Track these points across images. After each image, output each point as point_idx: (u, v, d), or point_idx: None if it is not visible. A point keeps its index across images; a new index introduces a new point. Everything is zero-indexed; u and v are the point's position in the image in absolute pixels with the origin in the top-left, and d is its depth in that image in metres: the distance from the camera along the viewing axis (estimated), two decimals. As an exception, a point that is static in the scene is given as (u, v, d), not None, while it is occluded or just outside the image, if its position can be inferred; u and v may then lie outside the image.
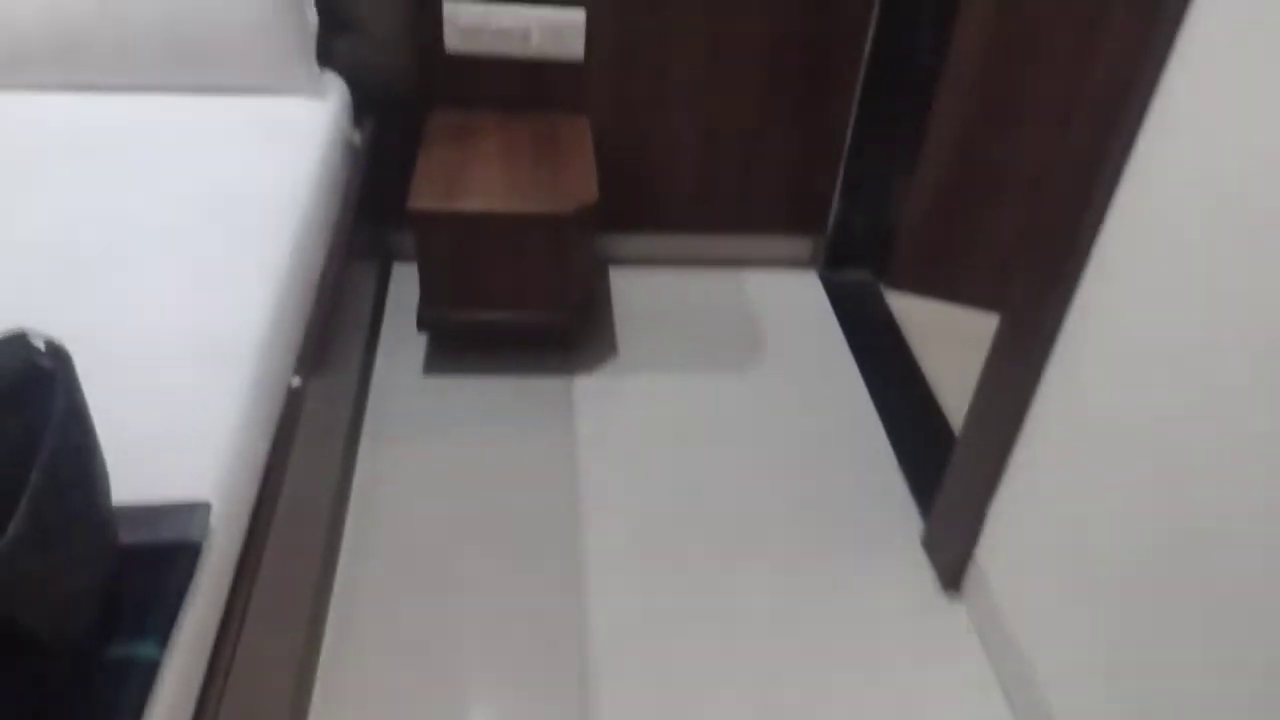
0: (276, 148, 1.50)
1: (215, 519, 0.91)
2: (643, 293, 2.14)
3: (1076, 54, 1.80)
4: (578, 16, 1.88)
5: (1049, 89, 1.87)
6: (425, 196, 1.67)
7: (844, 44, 1.97)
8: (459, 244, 1.72)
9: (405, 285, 2.01)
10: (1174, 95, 1.02)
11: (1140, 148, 1.08)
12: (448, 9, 1.84)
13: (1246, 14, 0.91)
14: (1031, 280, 1.29)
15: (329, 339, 1.40)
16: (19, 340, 0.73)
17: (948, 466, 1.52)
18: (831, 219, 2.20)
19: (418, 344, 1.92)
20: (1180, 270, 1.02)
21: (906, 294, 2.21)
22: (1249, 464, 0.92)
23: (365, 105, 1.84)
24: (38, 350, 0.73)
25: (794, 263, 2.27)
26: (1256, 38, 0.90)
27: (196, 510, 0.88)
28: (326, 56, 1.74)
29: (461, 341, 1.93)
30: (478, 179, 1.74)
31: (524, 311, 1.82)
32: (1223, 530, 0.95)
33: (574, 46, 1.92)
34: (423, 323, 1.82)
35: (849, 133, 2.08)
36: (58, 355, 0.73)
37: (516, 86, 1.95)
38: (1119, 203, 1.12)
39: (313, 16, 1.66)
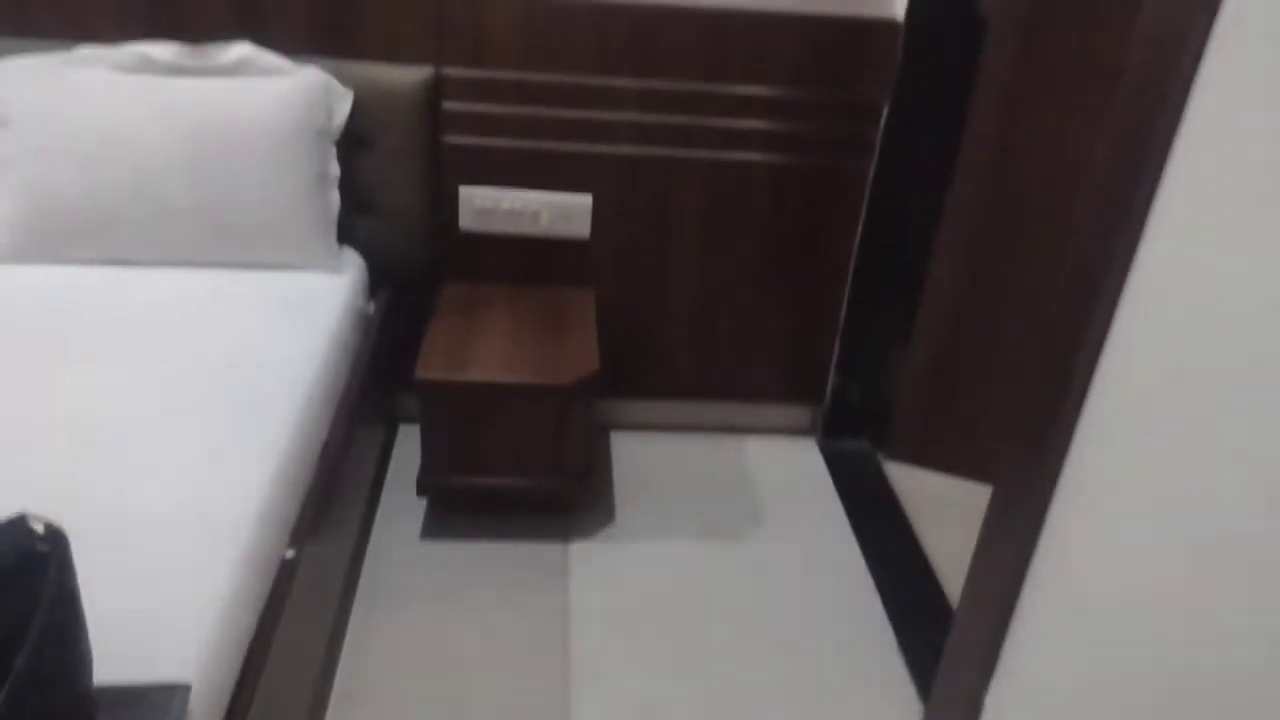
0: (292, 322, 1.58)
1: (195, 700, 0.91)
2: (643, 458, 2.17)
3: (1059, 236, 1.89)
4: (585, 200, 2.00)
5: (1036, 268, 1.95)
6: (432, 366, 1.74)
7: (837, 227, 2.07)
8: (462, 412, 1.77)
9: (410, 448, 2.05)
10: (1150, 273, 1.07)
11: (1118, 326, 1.13)
12: (463, 192, 1.97)
13: (1212, 201, 0.97)
14: (1019, 455, 1.32)
15: (328, 507, 1.43)
16: (19, 524, 0.76)
17: (944, 649, 1.50)
18: (829, 389, 2.25)
19: (417, 507, 1.94)
20: (1163, 446, 1.04)
21: (905, 465, 2.23)
22: (1251, 650, 0.91)
23: (380, 278, 1.93)
24: (36, 534, 0.76)
25: (793, 431, 2.30)
26: (1224, 217, 0.96)
27: (176, 692, 0.89)
28: (346, 234, 1.84)
29: (461, 506, 1.95)
30: (483, 350, 1.81)
31: (523, 478, 1.85)
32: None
33: (581, 226, 2.03)
34: (423, 488, 1.85)
35: (844, 307, 2.16)
36: (55, 539, 0.76)
37: (525, 262, 2.06)
38: (1100, 379, 1.16)
39: (336, 199, 1.77)
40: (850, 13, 1.86)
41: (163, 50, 1.66)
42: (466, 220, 2.00)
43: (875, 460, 2.24)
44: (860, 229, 2.08)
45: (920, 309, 2.09)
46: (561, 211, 2.01)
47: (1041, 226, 1.93)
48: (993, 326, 2.04)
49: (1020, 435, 1.31)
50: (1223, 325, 0.95)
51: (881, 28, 1.87)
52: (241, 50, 1.69)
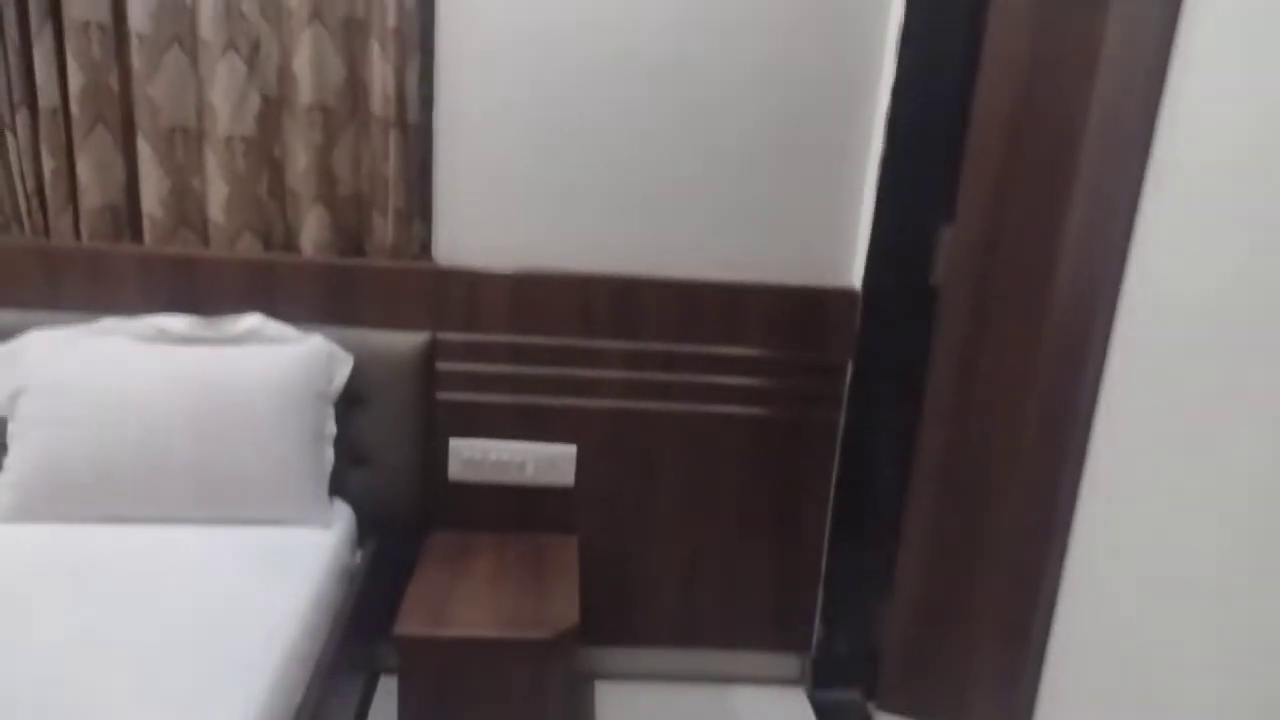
0: (280, 580, 1.61)
1: None
2: (629, 710, 2.12)
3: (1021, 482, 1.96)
4: (570, 450, 2.09)
5: (1005, 512, 1.99)
6: (411, 621, 1.75)
7: (813, 477, 2.15)
8: (441, 666, 1.76)
9: (389, 700, 2.01)
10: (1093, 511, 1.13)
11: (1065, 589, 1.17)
12: (453, 444, 2.06)
13: (1148, 442, 1.04)
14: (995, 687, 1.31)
15: (297, 772, 1.41)
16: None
17: None
18: (815, 638, 2.23)
19: (393, 768, 1.88)
20: (1125, 661, 1.05)
21: (897, 716, 2.17)
22: None
23: (369, 528, 1.99)
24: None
25: (781, 680, 2.27)
26: (1142, 471, 1.02)
27: None
28: (338, 486, 1.91)
29: (437, 766, 1.89)
30: (465, 603, 1.83)
31: (502, 736, 1.81)
32: None
33: (566, 475, 2.10)
34: (398, 747, 1.81)
35: (824, 557, 2.19)
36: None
37: (511, 510, 2.12)
38: (1056, 640, 1.18)
39: (330, 456, 1.86)
40: (812, 283, 2.03)
41: (178, 322, 1.81)
42: (455, 470, 2.08)
43: (866, 712, 2.19)
44: (835, 478, 2.15)
45: (899, 556, 2.12)
46: (547, 461, 2.09)
47: (1008, 473, 2.00)
48: (970, 571, 2.06)
49: (989, 694, 1.32)
50: (1154, 604, 1.00)
51: (841, 296, 2.03)
52: (251, 321, 1.84)
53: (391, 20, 1.83)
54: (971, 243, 1.95)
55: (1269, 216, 0.87)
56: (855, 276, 2.03)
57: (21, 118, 1.82)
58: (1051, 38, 1.75)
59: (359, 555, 1.93)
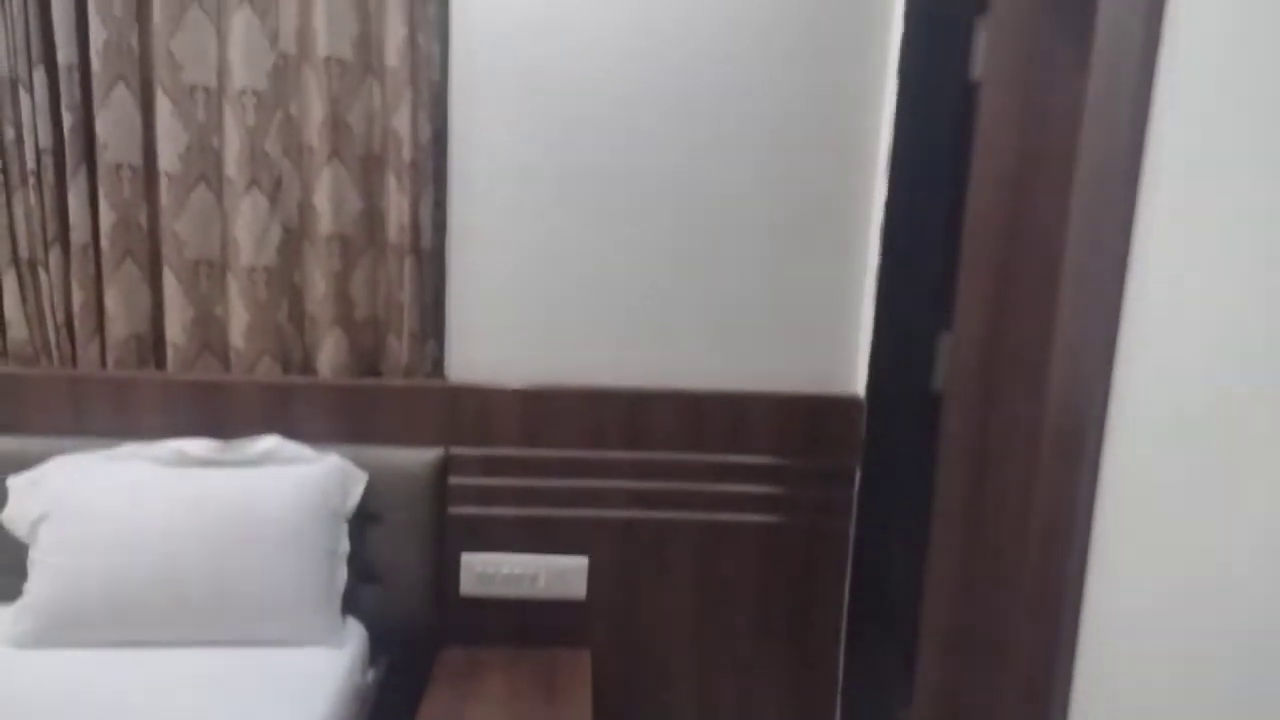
0: (291, 700, 1.62)
1: None
2: (645, 834, 2.07)
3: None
4: (581, 562, 2.10)
5: (1018, 620, 1.98)
6: (424, 744, 1.74)
7: (826, 585, 2.14)
8: (453, 791, 1.74)
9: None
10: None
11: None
12: (465, 559, 2.08)
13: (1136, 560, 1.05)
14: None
15: None
16: None
17: None
18: (834, 752, 2.19)
19: None
20: None
21: (922, 834, 2.11)
22: None
23: (381, 645, 1.99)
24: None
25: (802, 797, 2.21)
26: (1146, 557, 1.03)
27: None
28: (351, 604, 1.93)
29: None
30: (477, 723, 1.82)
31: None
32: None
33: (577, 588, 2.11)
34: None
35: (841, 664, 2.17)
36: None
37: (523, 624, 2.11)
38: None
39: (343, 575, 1.88)
40: (816, 391, 2.07)
41: (197, 446, 1.86)
42: (467, 585, 2.09)
43: (890, 829, 2.13)
44: (848, 584, 2.14)
45: (916, 666, 2.10)
46: (559, 574, 2.10)
47: (1020, 574, 1.99)
48: (988, 682, 2.03)
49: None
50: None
51: (845, 404, 2.07)
52: (268, 443, 1.89)
53: (407, 155, 1.94)
54: (970, 349, 1.99)
55: (1252, 326, 0.90)
56: (859, 384, 2.07)
57: (54, 254, 1.91)
58: (1036, 147, 1.83)
59: (370, 674, 1.92)
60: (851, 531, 2.12)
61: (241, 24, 1.87)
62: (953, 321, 2.01)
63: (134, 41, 1.88)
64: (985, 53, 1.82)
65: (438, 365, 2.06)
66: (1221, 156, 0.94)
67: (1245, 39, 0.92)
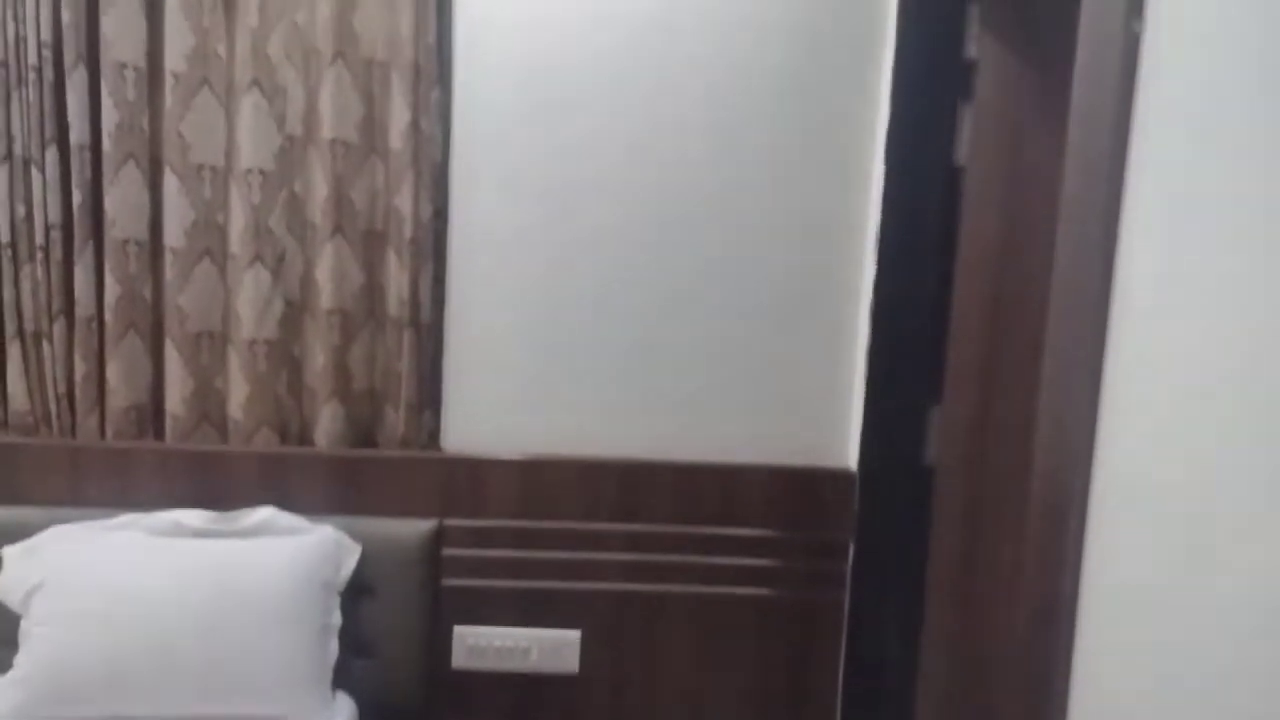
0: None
1: None
2: None
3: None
4: (574, 635, 2.09)
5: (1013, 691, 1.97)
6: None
7: (821, 658, 2.13)
8: None
9: None
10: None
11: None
12: (458, 631, 2.07)
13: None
14: None
15: None
16: None
17: None
18: (831, 831, 2.15)
19: None
20: None
21: None
22: None
23: (370, 717, 1.96)
24: None
25: None
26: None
27: None
28: (341, 677, 1.91)
29: None
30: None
31: None
32: None
33: (569, 662, 2.10)
34: None
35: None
36: None
37: (515, 698, 2.10)
38: None
39: (335, 648, 1.87)
40: (809, 464, 2.09)
41: (193, 517, 1.87)
42: (459, 659, 2.07)
43: None
44: (843, 657, 2.13)
45: (912, 740, 2.08)
46: (551, 647, 2.09)
47: (1010, 649, 1.98)
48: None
49: None
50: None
51: (838, 477, 2.09)
52: (263, 514, 1.90)
53: (408, 232, 1.99)
54: (960, 423, 2.02)
55: (1226, 402, 0.93)
56: (851, 457, 2.09)
57: (58, 327, 1.95)
58: (1019, 229, 1.88)
59: (360, 751, 1.90)
60: (846, 604, 2.12)
61: (250, 107, 1.93)
62: (943, 395, 2.04)
63: (145, 123, 1.95)
64: (969, 138, 1.89)
65: (433, 436, 2.09)
66: (1193, 242, 0.98)
67: (1213, 135, 0.96)
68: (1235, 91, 0.93)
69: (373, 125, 1.99)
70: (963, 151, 1.91)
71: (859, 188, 2.04)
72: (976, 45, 1.87)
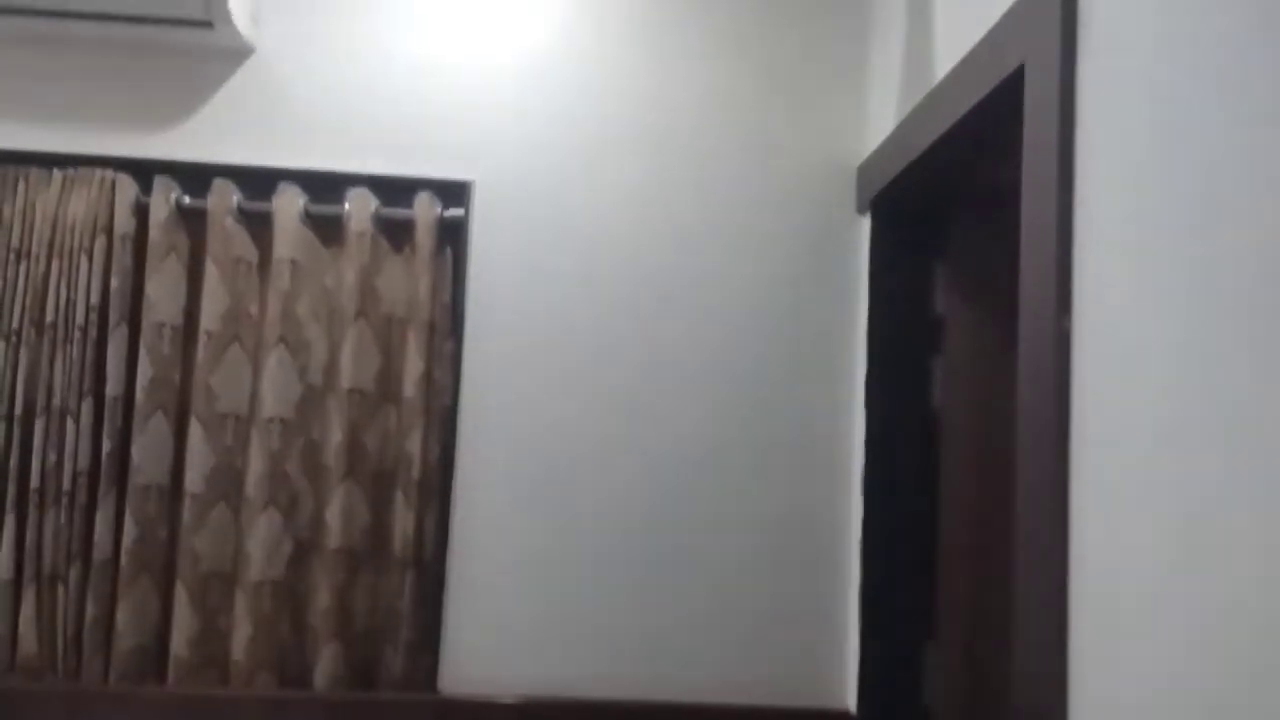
0: None
1: None
2: None
3: None
4: None
5: None
6: None
7: None
8: None
9: None
10: None
11: None
12: None
13: None
14: None
15: None
16: None
17: None
18: None
19: None
20: None
21: None
22: None
23: None
24: None
25: None
26: None
27: None
28: None
29: None
30: None
31: None
32: None
33: None
34: None
35: None
36: None
37: None
38: None
39: None
40: (808, 705, 2.09)
41: (190, 767, 1.86)
42: None
43: None
44: None
45: None
46: None
47: None
48: None
49: None
50: None
51: (837, 718, 2.08)
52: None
53: (416, 473, 2.09)
54: (953, 661, 2.03)
55: (1185, 625, 0.97)
56: (850, 698, 2.08)
57: (74, 570, 2.01)
58: (992, 470, 1.98)
59: None
60: None
61: (275, 360, 2.09)
62: (936, 631, 2.06)
63: (176, 376, 2.10)
64: (941, 386, 2.03)
65: (431, 677, 2.09)
66: (1137, 475, 1.06)
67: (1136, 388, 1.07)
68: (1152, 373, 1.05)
69: (389, 375, 2.14)
70: (937, 396, 2.05)
71: (844, 432, 2.16)
72: (943, 301, 2.04)
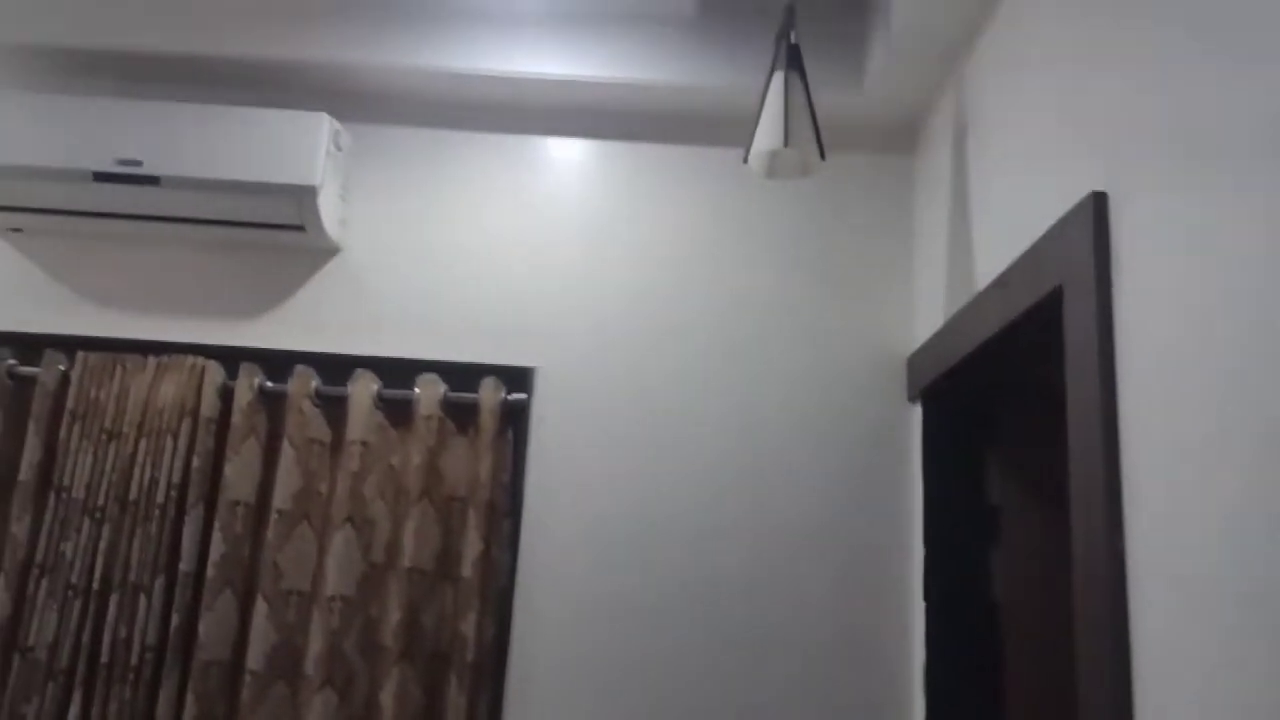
0: None
1: None
2: None
3: None
4: None
5: None
6: None
7: None
8: None
9: None
10: None
11: None
12: None
13: None
14: None
15: None
16: None
17: None
18: None
19: None
20: None
21: None
22: None
23: None
24: None
25: None
26: None
27: None
28: None
29: None
30: None
31: None
32: None
33: None
34: None
35: None
36: None
37: None
38: None
39: None
40: None
41: None
42: None
43: None
44: None
45: None
46: None
47: None
48: None
49: None
50: None
51: None
52: None
53: (470, 656, 2.10)
54: None
55: None
56: None
57: (133, 748, 2.03)
58: (1058, 665, 1.92)
59: None
60: None
61: (341, 539, 2.16)
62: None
63: (246, 553, 2.17)
64: (1000, 576, 2.00)
65: None
66: (1195, 671, 1.04)
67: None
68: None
69: (448, 554, 2.19)
70: (997, 587, 2.02)
71: (902, 627, 2.14)
72: (998, 490, 2.05)
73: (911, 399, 2.21)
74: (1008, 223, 1.69)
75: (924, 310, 2.22)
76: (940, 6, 1.91)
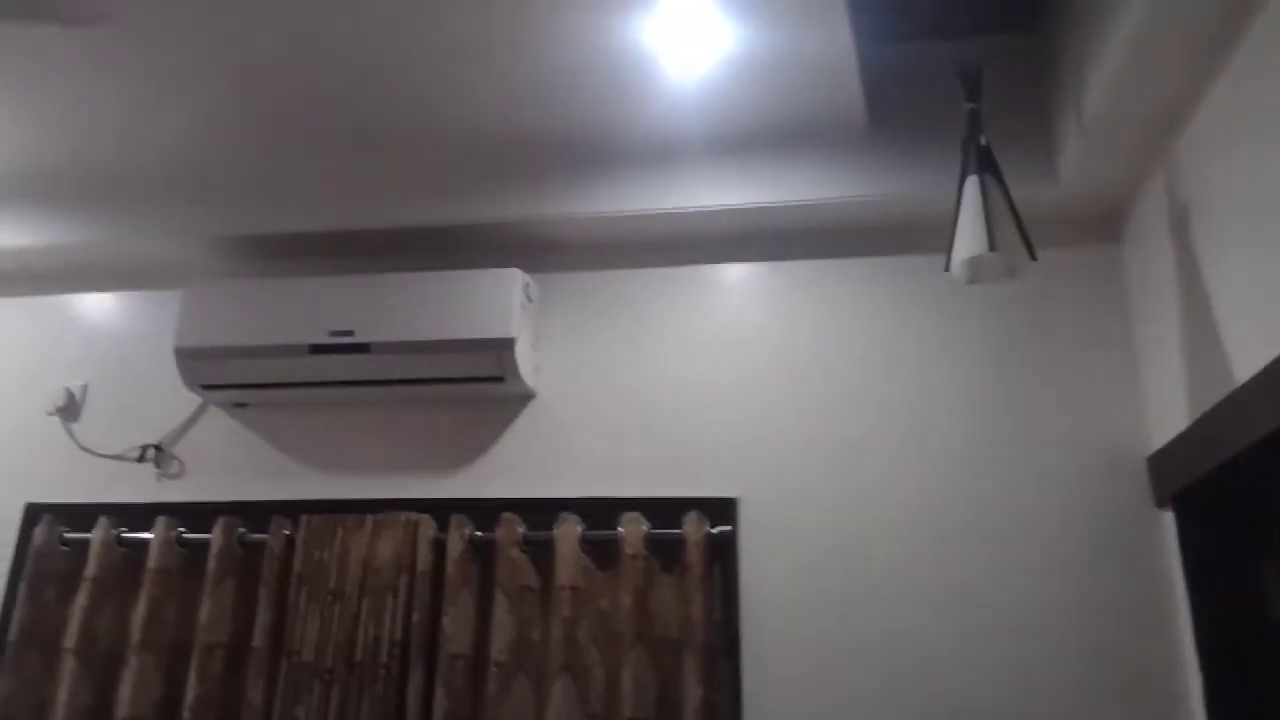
0: None
1: None
2: None
3: None
4: None
5: None
6: None
7: None
8: None
9: None
10: None
11: None
12: None
13: None
14: None
15: None
16: None
17: None
18: None
19: None
20: None
21: None
22: None
23: None
24: None
25: None
26: None
27: None
28: None
29: None
30: None
31: None
32: None
33: None
34: None
35: None
36: None
37: None
38: None
39: None
40: None
41: None
42: None
43: None
44: None
45: None
46: None
47: None
48: None
49: None
50: None
51: None
52: None
53: (701, 813, 1.98)
54: None
55: None
56: None
57: None
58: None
59: None
60: None
61: (560, 689, 2.11)
62: None
63: (466, 710, 2.14)
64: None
65: None
66: None
67: None
68: None
69: (667, 701, 2.10)
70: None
71: None
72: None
73: (1160, 504, 2.00)
74: (1264, 309, 1.53)
75: (1160, 408, 2.03)
76: (1147, 82, 1.78)
